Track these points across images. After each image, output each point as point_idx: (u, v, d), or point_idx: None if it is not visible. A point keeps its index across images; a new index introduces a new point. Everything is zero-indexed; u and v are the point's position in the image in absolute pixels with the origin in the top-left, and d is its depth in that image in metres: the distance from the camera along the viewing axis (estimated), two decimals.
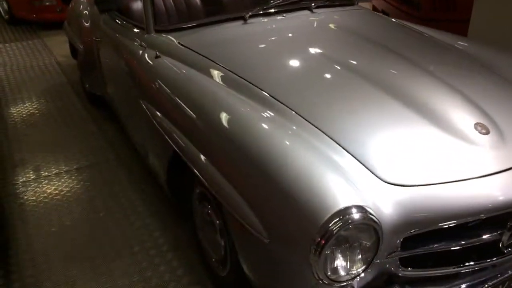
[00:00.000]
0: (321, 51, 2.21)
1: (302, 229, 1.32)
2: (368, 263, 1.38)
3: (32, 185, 2.88)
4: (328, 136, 1.58)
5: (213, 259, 2.03)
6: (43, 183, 2.91)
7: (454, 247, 1.49)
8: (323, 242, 1.28)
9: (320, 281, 1.34)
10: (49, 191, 2.83)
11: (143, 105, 2.29)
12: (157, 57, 2.32)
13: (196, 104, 1.89)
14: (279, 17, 2.59)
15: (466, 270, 1.55)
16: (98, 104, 3.90)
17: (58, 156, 3.23)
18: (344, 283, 1.38)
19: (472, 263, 1.54)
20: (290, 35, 2.44)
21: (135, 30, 2.70)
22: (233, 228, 1.66)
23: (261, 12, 2.55)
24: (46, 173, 3.01)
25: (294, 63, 2.17)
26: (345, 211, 1.28)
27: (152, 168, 2.49)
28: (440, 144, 1.60)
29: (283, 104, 1.76)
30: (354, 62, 2.09)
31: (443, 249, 1.48)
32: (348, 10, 2.81)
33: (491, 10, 3.11)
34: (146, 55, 2.41)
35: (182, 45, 2.34)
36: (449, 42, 2.58)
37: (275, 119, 1.68)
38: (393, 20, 2.91)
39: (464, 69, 2.17)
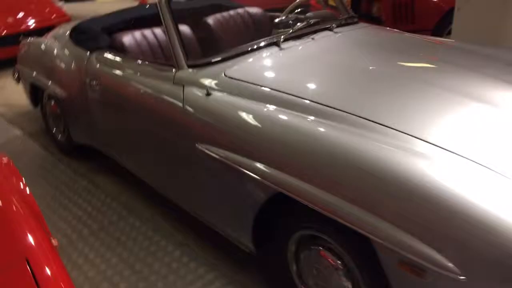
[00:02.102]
0: (373, 65, 2.22)
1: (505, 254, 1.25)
2: None
3: None
4: (458, 154, 1.52)
5: None
6: None
7: None
8: None
9: None
10: None
11: (205, 150, 2.05)
12: (208, 94, 2.11)
13: (296, 138, 1.73)
14: (308, 40, 2.52)
15: None
16: (76, 155, 3.50)
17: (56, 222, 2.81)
18: None
19: None
20: (334, 54, 2.37)
21: (158, 66, 2.45)
22: (395, 268, 1.51)
23: (288, 36, 2.47)
24: None
25: (362, 79, 2.09)
26: None
27: (219, 225, 2.23)
28: None
29: (377, 123, 1.68)
30: (411, 73, 2.15)
31: None
32: (362, 28, 2.81)
33: (472, 20, 3.31)
34: (190, 93, 2.18)
35: (230, 77, 2.16)
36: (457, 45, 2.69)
37: (384, 140, 1.59)
38: (396, 31, 2.98)
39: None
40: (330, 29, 2.66)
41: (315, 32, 2.59)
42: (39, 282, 1.20)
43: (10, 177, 1.75)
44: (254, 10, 3.50)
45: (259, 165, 1.80)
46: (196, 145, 2.09)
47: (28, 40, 3.88)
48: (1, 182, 1.64)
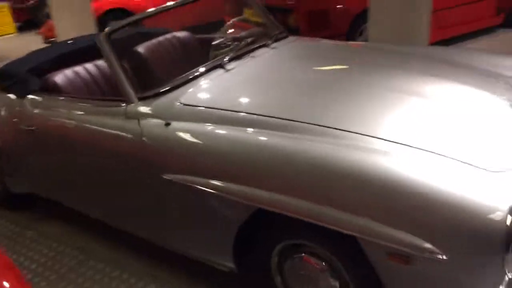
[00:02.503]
0: (313, 75, 2.42)
1: (485, 233, 1.42)
2: None
3: None
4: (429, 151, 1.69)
5: None
6: None
7: None
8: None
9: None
10: None
11: (173, 179, 2.04)
12: (167, 124, 2.12)
13: (265, 154, 1.81)
14: (248, 59, 2.61)
15: None
16: (13, 207, 3.30)
17: None
18: None
19: None
20: (277, 70, 2.50)
21: (104, 103, 2.41)
22: (384, 261, 1.61)
23: (229, 58, 2.54)
24: None
25: (309, 90, 2.23)
26: None
27: (194, 252, 2.23)
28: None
29: (349, 131, 1.81)
30: (349, 77, 2.35)
31: None
32: (293, 41, 2.95)
33: (386, 21, 3.61)
34: (147, 126, 2.17)
35: (186, 104, 2.18)
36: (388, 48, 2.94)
37: (345, 143, 1.74)
38: (323, 40, 3.18)
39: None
40: (266, 45, 2.77)
41: (252, 50, 2.69)
42: None
43: None
44: (182, 34, 3.53)
45: (234, 186, 1.85)
46: (162, 176, 2.08)
47: None
48: None
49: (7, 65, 3.15)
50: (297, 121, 1.90)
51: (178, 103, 2.20)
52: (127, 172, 2.29)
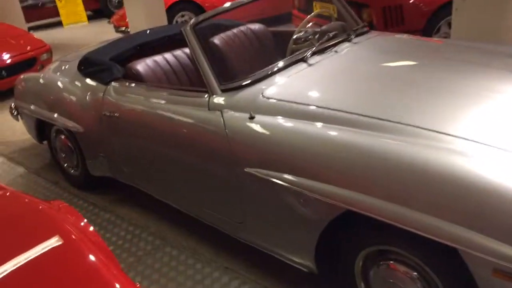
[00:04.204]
0: (400, 71, 2.34)
1: None
2: None
3: None
4: None
5: None
6: None
7: None
8: None
9: None
10: None
11: (257, 173, 2.03)
12: (251, 117, 2.11)
13: (355, 154, 1.75)
14: (331, 53, 2.56)
15: None
16: (92, 189, 3.44)
17: None
18: None
19: None
20: (362, 65, 2.43)
21: (187, 93, 2.45)
22: (489, 277, 1.49)
23: (311, 52, 2.50)
24: None
25: (399, 86, 2.15)
26: None
27: (273, 248, 2.21)
28: None
29: (432, 130, 1.73)
30: (437, 74, 2.23)
31: None
32: (375, 36, 2.86)
33: (470, 19, 3.43)
34: (231, 118, 2.18)
35: (270, 98, 2.17)
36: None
37: (442, 146, 1.65)
38: (405, 35, 3.06)
39: None
40: (348, 40, 2.71)
41: (335, 45, 2.64)
42: None
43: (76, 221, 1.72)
44: (255, 26, 3.53)
45: (322, 185, 1.81)
46: (246, 169, 2.09)
47: (22, 77, 3.79)
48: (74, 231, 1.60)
49: (90, 53, 3.27)
50: (386, 120, 1.83)
51: (262, 97, 2.19)
52: (208, 163, 2.32)
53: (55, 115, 3.25)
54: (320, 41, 2.62)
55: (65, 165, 3.56)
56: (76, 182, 3.52)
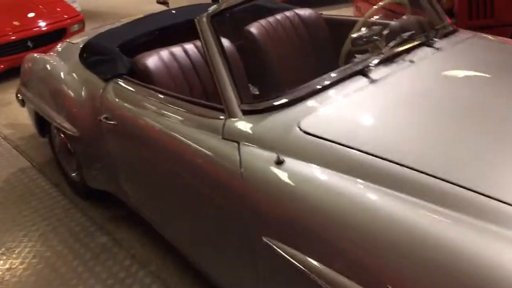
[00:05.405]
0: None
1: None
2: None
3: None
4: None
5: None
6: None
7: None
8: None
9: None
10: None
11: (274, 246, 1.37)
12: (279, 162, 1.42)
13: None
14: (405, 63, 1.81)
15: None
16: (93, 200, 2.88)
17: None
18: None
19: None
20: (452, 87, 1.66)
21: (199, 109, 1.78)
22: None
23: (376, 62, 1.76)
24: None
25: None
26: None
27: None
28: None
29: None
30: None
31: None
32: (467, 39, 2.07)
33: None
34: (250, 155, 1.50)
35: (307, 133, 1.47)
36: None
37: None
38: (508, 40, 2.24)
39: None
40: (428, 44, 1.94)
41: (409, 50, 1.88)
42: None
43: None
44: (305, 12, 2.78)
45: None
46: (263, 237, 1.41)
47: (32, 56, 3.23)
48: None
49: (97, 37, 2.65)
50: (477, 192, 1.13)
51: (298, 129, 1.49)
52: (219, 205, 1.66)
53: (52, 111, 2.68)
54: (388, 44, 1.86)
55: (66, 167, 3.01)
56: (76, 188, 2.97)
